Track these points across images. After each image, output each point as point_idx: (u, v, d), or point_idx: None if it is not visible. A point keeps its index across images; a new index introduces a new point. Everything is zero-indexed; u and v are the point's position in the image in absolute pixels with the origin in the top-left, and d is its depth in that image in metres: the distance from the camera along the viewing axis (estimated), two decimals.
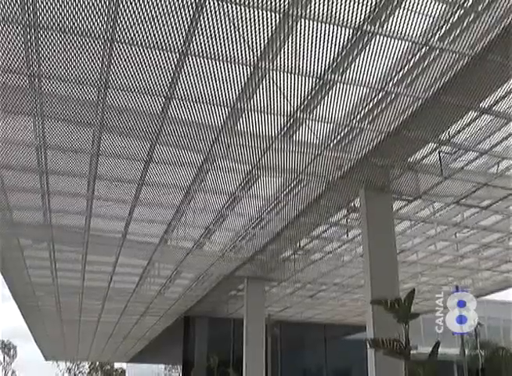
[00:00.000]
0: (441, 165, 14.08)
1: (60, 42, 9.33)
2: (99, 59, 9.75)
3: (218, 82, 10.32)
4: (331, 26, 9.00)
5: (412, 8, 8.80)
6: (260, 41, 9.29)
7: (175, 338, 36.69)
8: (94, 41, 9.34)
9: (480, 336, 33.93)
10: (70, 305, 31.75)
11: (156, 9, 8.61)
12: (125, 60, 9.76)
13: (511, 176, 15.64)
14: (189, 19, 8.81)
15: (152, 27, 8.97)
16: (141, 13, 8.69)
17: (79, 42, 9.35)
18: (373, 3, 8.64)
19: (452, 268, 24.34)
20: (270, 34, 9.16)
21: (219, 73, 10.05)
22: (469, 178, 15.49)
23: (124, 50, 9.53)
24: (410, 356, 10.88)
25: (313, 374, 37.83)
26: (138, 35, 9.12)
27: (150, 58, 9.70)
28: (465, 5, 8.98)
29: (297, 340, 36.82)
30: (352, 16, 8.81)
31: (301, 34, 9.14)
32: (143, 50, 9.49)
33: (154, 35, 9.12)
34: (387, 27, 9.15)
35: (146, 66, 9.92)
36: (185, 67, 9.96)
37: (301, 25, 8.99)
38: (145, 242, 19.90)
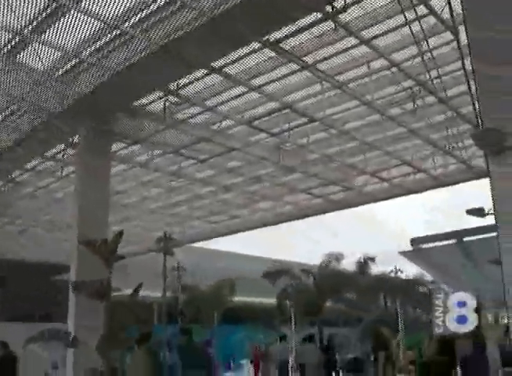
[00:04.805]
0: (165, 114, 14.25)
1: None
2: None
3: None
4: None
5: None
6: None
7: None
8: None
9: (182, 280, 35.81)
10: None
11: None
12: None
13: (231, 135, 16.50)
14: None
15: None
16: None
17: None
18: None
19: (164, 214, 25.05)
20: None
21: None
22: (191, 131, 15.96)
23: None
24: (111, 298, 10.94)
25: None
26: None
27: None
28: None
29: None
30: None
31: None
32: None
33: None
34: None
35: None
36: None
37: None
38: None
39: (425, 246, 40.32)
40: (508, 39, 6.44)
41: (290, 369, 19.62)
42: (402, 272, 38.17)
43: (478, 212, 15.64)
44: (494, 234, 7.91)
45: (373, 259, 34.48)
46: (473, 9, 7.27)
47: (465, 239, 37.59)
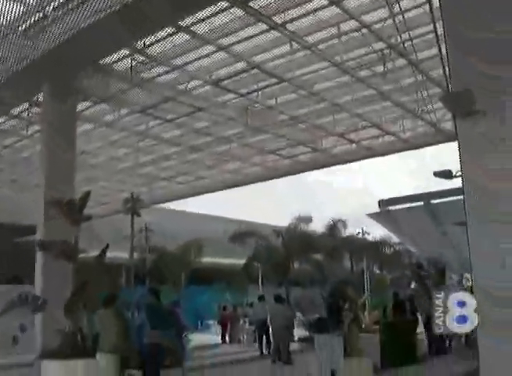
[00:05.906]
0: (132, 73, 13.98)
1: None
2: None
3: None
4: None
5: None
6: None
7: None
8: None
9: (150, 241, 35.80)
10: None
11: None
12: None
13: (199, 95, 16.29)
14: None
15: None
16: None
17: None
18: None
19: (132, 175, 24.77)
20: None
21: None
22: (157, 91, 15.71)
23: None
24: (78, 259, 10.84)
25: None
26: None
27: None
28: None
29: None
30: None
31: None
32: None
33: None
34: None
35: None
36: None
37: None
38: None
39: (392, 208, 40.69)
40: (481, 2, 6.40)
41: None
42: (368, 234, 38.81)
43: (445, 174, 15.76)
44: (460, 197, 7.97)
45: (343, 222, 34.93)
46: None
47: (432, 201, 38.03)
